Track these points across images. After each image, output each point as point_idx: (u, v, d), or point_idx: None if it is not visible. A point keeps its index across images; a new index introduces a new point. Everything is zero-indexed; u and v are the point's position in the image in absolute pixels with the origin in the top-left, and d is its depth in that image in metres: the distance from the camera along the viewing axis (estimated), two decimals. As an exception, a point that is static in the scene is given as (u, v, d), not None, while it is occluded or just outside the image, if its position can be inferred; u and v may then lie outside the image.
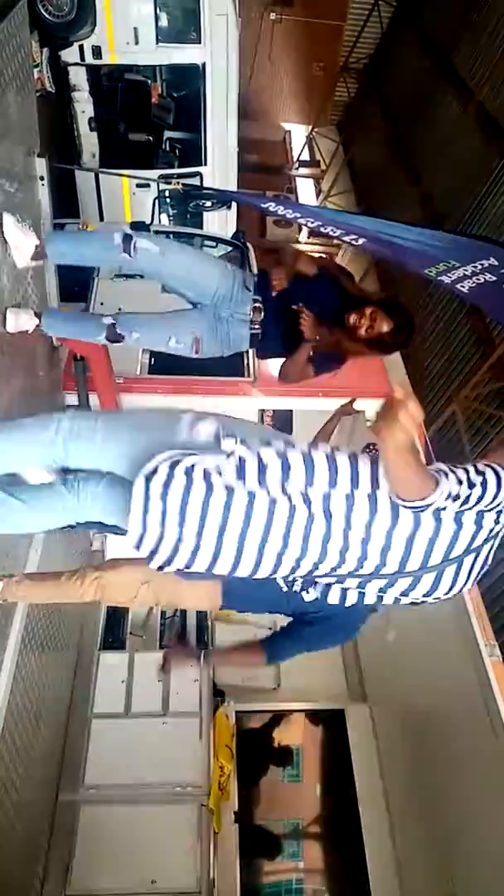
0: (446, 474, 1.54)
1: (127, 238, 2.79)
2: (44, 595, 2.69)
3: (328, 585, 1.82)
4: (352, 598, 1.81)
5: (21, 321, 2.89)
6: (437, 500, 1.50)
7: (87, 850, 3.83)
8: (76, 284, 4.34)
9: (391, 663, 4.36)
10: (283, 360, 3.06)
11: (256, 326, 2.98)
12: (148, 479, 1.67)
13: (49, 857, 3.82)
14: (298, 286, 2.92)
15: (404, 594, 1.73)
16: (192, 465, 1.67)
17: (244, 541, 1.66)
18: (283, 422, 4.94)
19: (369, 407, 4.29)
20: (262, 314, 2.95)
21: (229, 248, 5.86)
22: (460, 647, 3.15)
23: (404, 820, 4.04)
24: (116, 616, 4.95)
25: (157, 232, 5.32)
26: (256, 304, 2.93)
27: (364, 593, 1.78)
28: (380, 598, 1.77)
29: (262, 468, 1.69)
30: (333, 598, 1.82)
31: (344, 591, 1.81)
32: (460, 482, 1.54)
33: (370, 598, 1.78)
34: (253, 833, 4.27)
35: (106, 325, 2.99)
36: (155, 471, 1.68)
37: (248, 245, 5.75)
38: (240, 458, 1.71)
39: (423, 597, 1.73)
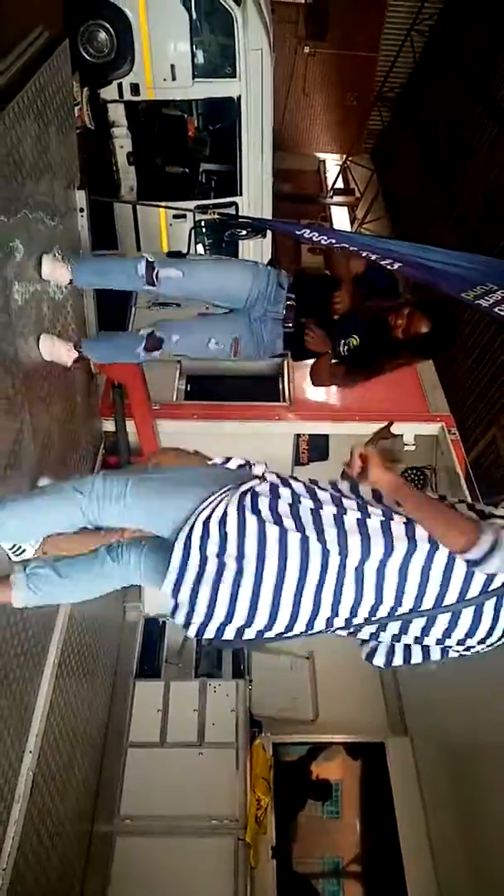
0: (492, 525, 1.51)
1: (149, 267, 2.83)
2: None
3: (391, 648, 1.78)
4: (416, 656, 1.77)
5: (57, 351, 2.91)
6: (483, 546, 1.46)
7: (121, 881, 3.77)
8: (114, 312, 4.42)
9: (432, 695, 4.23)
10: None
11: (290, 325, 2.97)
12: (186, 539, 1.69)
13: (84, 888, 3.76)
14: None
15: (447, 635, 1.66)
16: (224, 513, 1.66)
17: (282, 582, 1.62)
18: (318, 446, 4.90)
19: (408, 430, 4.25)
20: (296, 311, 2.94)
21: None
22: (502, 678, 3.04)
23: (448, 859, 3.89)
24: (152, 644, 4.93)
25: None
26: (290, 303, 2.93)
27: (427, 648, 1.73)
28: (444, 652, 1.73)
29: (295, 499, 1.69)
30: (398, 660, 1.79)
31: (407, 649, 1.77)
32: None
33: (434, 653, 1.74)
34: (291, 881, 4.13)
35: (144, 336, 3.03)
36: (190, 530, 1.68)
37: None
38: (271, 485, 1.71)
39: (467, 636, 1.66)
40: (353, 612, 1.63)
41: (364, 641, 1.81)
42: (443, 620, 1.62)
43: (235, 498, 1.67)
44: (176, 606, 1.71)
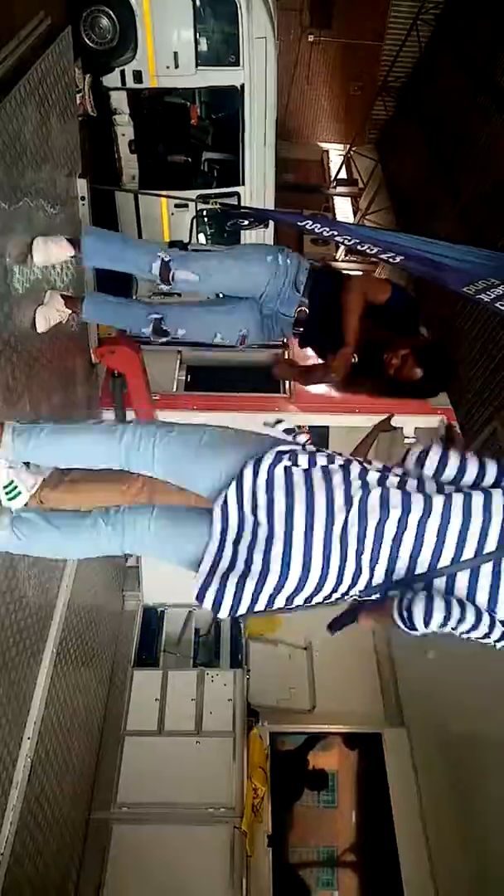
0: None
1: (164, 267, 2.74)
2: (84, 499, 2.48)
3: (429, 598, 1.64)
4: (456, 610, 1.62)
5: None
6: None
7: (118, 868, 3.80)
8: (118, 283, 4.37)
9: (429, 686, 4.25)
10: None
11: (299, 329, 2.92)
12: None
13: (81, 874, 3.80)
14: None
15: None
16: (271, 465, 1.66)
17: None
18: (319, 438, 4.90)
19: (408, 423, 4.25)
20: (307, 316, 2.87)
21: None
22: (502, 668, 3.05)
23: (443, 849, 3.92)
24: (150, 633, 4.95)
25: (195, 251, 5.38)
26: (302, 308, 2.86)
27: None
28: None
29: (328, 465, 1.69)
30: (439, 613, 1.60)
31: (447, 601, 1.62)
32: None
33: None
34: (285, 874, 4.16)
35: (152, 321, 2.96)
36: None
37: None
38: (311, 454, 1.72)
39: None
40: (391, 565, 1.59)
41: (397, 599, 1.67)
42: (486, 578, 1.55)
43: (271, 459, 1.68)
44: (207, 585, 1.67)
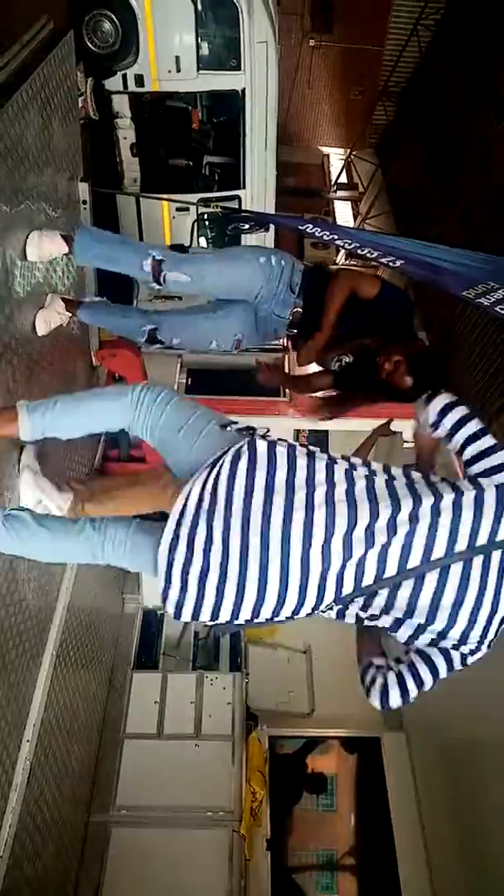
0: None
1: (156, 265, 2.72)
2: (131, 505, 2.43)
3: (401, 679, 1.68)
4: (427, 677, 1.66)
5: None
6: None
7: (117, 871, 3.81)
8: (116, 293, 4.40)
9: (429, 690, 4.25)
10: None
11: (294, 331, 2.90)
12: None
13: (80, 876, 3.80)
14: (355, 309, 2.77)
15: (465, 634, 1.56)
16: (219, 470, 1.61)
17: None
18: (318, 442, 4.91)
19: (407, 427, 4.25)
20: (302, 317, 2.83)
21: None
22: (501, 674, 3.05)
23: (441, 853, 3.92)
24: (150, 636, 4.95)
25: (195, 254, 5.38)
26: (297, 310, 2.83)
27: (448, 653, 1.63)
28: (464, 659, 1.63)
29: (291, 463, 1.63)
30: (412, 687, 1.67)
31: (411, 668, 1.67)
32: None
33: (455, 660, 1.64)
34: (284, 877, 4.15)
35: (146, 332, 2.95)
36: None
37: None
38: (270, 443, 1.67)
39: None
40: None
41: (372, 683, 1.72)
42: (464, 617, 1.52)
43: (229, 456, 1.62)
44: (168, 586, 1.61)
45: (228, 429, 1.79)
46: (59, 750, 3.33)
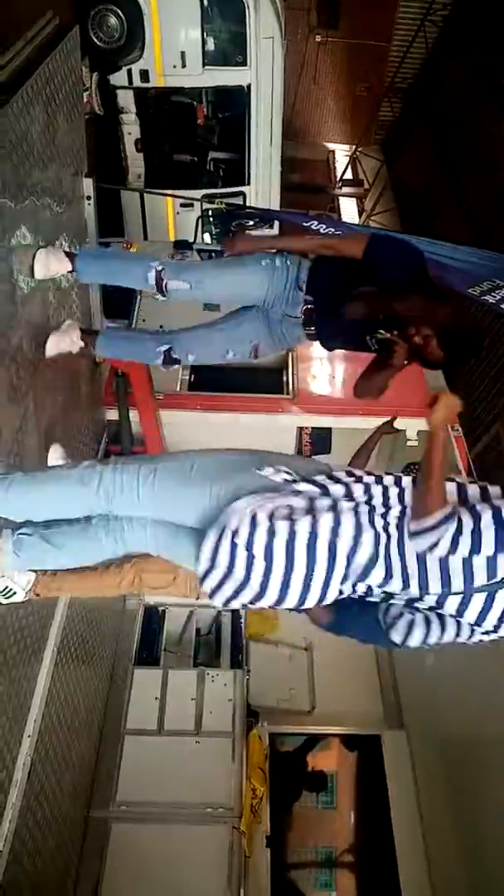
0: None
1: (158, 277, 2.70)
2: (80, 587, 2.53)
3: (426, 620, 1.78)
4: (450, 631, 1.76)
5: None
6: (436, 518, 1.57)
7: (116, 867, 3.80)
8: (120, 300, 4.41)
9: (429, 689, 4.25)
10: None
11: (311, 329, 2.81)
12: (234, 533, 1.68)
13: (80, 872, 3.80)
14: (362, 276, 2.61)
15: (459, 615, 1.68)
16: (272, 512, 1.68)
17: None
18: (321, 440, 4.90)
19: (411, 425, 4.24)
20: (315, 314, 2.74)
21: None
22: (502, 674, 3.06)
23: (441, 851, 3.92)
24: (151, 632, 4.95)
25: (199, 251, 5.38)
26: (308, 306, 2.74)
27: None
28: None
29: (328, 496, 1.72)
30: (434, 636, 1.78)
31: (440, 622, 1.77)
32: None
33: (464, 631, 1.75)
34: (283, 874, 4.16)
35: (161, 353, 2.94)
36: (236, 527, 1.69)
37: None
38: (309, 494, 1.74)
39: (476, 623, 1.67)
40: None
41: (396, 618, 1.81)
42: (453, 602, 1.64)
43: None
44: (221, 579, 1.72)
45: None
46: (60, 745, 3.34)
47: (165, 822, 3.93)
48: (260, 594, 1.69)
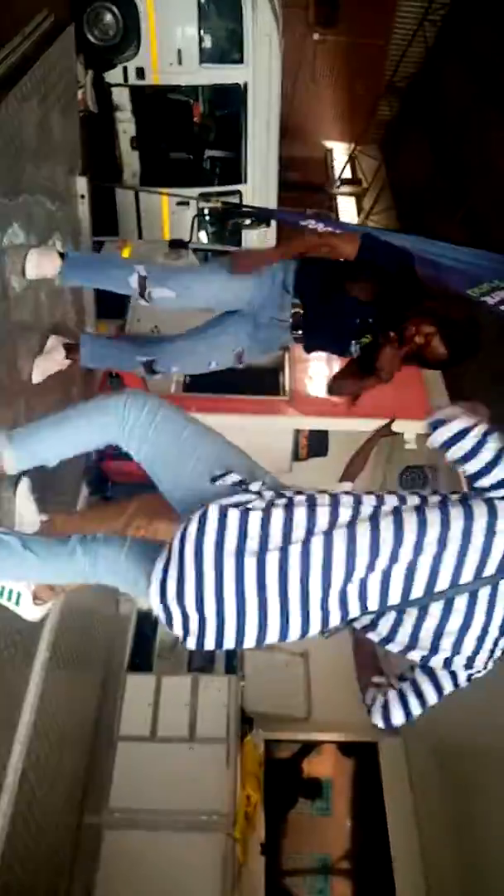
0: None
1: (141, 282, 2.64)
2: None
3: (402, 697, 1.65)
4: (431, 696, 1.62)
5: (50, 365, 2.77)
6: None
7: (109, 874, 3.78)
8: (113, 301, 4.35)
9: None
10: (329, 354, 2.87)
11: (299, 333, 2.75)
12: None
13: (72, 880, 3.76)
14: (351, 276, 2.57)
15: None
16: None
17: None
18: (318, 442, 4.86)
19: (409, 428, 4.21)
20: (304, 316, 2.69)
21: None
22: (500, 682, 3.02)
23: (437, 859, 3.89)
24: (144, 638, 4.91)
25: (195, 250, 5.33)
26: (296, 310, 2.69)
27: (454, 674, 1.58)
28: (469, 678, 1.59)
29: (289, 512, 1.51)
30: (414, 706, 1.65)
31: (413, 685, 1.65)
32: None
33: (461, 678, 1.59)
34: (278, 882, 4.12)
35: (141, 362, 2.90)
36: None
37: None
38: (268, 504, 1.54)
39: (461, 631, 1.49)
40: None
41: (372, 703, 1.69)
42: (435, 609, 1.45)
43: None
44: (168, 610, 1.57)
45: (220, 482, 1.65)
46: (52, 751, 3.30)
47: (159, 828, 3.90)
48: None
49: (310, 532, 1.44)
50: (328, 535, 1.43)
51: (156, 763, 4.10)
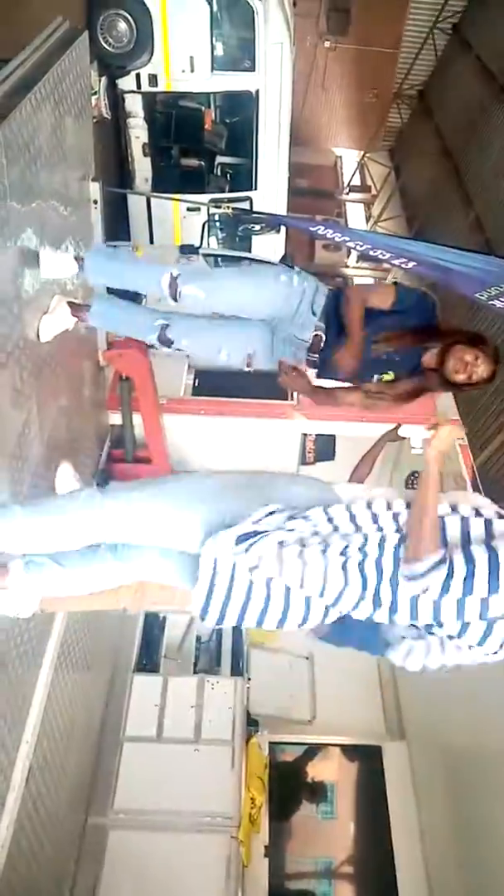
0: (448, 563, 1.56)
1: (173, 281, 2.65)
2: (81, 602, 2.53)
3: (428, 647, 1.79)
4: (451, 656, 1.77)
5: (56, 324, 2.74)
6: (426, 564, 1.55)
7: (113, 874, 3.78)
8: (125, 296, 4.38)
9: (431, 701, 4.22)
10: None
11: (314, 355, 2.75)
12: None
13: (76, 879, 3.77)
14: (378, 315, 2.62)
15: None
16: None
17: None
18: (325, 446, 4.87)
19: (415, 433, 4.22)
20: (323, 343, 2.70)
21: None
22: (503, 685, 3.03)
23: (441, 863, 3.88)
24: (151, 639, 4.92)
25: (206, 255, 5.36)
26: (318, 333, 2.69)
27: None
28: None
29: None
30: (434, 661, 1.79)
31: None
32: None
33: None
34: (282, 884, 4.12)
35: (158, 328, 2.85)
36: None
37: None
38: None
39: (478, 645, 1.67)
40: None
41: (394, 639, 1.82)
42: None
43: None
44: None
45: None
46: (58, 751, 3.31)
47: (163, 829, 3.90)
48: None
49: None
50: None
51: (161, 764, 4.11)
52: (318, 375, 2.88)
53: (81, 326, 2.98)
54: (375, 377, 2.70)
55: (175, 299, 2.70)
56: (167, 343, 2.89)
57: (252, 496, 1.81)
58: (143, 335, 2.95)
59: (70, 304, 2.83)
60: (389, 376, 2.67)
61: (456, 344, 2.45)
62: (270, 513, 1.74)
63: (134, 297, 4.14)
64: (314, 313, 2.69)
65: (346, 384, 2.81)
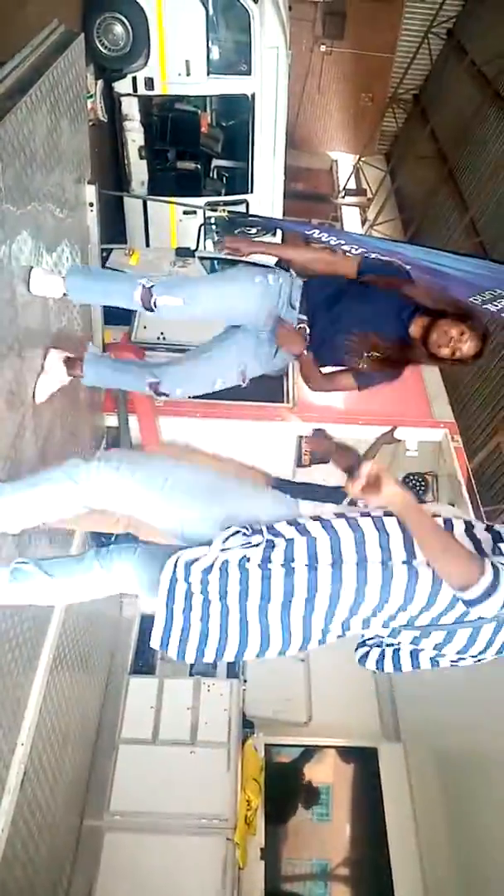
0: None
1: (146, 293, 2.65)
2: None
3: (383, 653, 1.79)
4: (406, 664, 1.77)
5: (52, 384, 2.78)
6: (482, 585, 1.40)
7: (109, 876, 3.77)
8: (120, 307, 4.40)
9: (427, 702, 4.22)
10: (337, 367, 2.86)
11: (302, 351, 2.78)
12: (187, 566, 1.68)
13: (72, 881, 3.77)
14: (355, 292, 2.64)
15: (437, 648, 1.67)
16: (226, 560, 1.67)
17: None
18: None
19: (410, 435, 4.24)
20: (309, 332, 2.72)
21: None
22: (500, 689, 3.03)
23: (437, 866, 3.88)
24: (147, 640, 4.90)
25: (202, 258, 5.38)
26: (301, 325, 2.72)
27: (417, 651, 1.74)
28: (434, 662, 1.75)
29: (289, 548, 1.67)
30: (388, 666, 1.79)
31: (396, 655, 1.77)
32: None
33: (424, 661, 1.75)
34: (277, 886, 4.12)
35: (148, 383, 2.92)
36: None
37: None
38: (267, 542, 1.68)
39: (459, 654, 1.67)
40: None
41: (361, 644, 1.83)
42: (437, 636, 1.61)
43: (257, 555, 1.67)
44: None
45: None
46: (54, 753, 3.31)
47: (159, 832, 3.90)
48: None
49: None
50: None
51: (157, 766, 4.11)
52: (319, 366, 2.89)
53: (75, 376, 2.97)
54: (365, 356, 2.67)
55: (151, 310, 2.70)
56: (163, 395, 2.95)
57: (225, 504, 1.82)
58: (138, 389, 3.06)
59: (66, 360, 2.84)
60: (378, 353, 2.65)
61: (443, 317, 2.45)
62: (234, 533, 1.70)
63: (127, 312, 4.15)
64: (293, 307, 2.72)
65: (338, 368, 2.82)
